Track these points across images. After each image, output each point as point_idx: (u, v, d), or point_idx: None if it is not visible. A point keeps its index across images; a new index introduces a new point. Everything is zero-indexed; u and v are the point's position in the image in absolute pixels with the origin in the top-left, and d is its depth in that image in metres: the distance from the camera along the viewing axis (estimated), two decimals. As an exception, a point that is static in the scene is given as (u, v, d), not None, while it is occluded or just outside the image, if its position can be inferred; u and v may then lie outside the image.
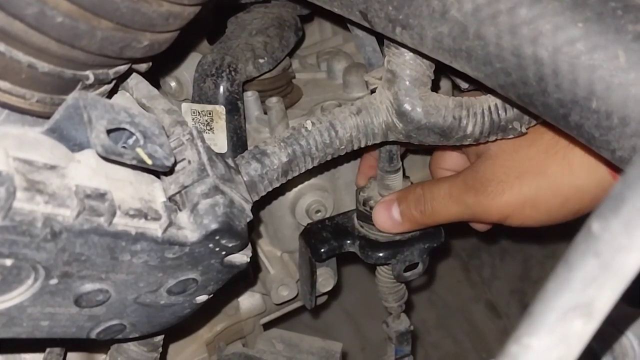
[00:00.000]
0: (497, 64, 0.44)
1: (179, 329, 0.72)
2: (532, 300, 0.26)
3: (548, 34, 0.41)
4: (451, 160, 0.73)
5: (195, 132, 0.49)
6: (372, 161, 0.74)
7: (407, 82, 0.57)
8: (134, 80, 0.54)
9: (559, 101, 0.42)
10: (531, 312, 0.26)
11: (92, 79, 0.44)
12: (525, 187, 0.59)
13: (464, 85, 0.65)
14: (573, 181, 0.57)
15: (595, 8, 0.40)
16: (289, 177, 0.60)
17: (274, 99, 0.71)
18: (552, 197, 0.59)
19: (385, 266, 0.75)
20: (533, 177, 0.59)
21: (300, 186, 0.77)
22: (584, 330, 0.26)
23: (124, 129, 0.42)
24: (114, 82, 0.49)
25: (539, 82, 0.42)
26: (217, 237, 0.46)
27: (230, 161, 0.53)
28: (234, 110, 0.69)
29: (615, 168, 0.51)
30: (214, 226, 0.45)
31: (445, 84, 0.77)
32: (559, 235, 0.91)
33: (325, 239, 0.73)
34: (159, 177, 0.48)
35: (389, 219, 0.68)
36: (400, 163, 0.70)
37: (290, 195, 0.78)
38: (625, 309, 0.38)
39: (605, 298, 0.25)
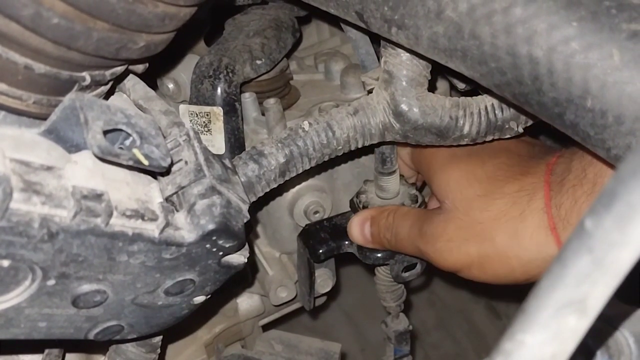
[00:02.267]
0: (492, 64, 0.44)
1: (178, 330, 0.72)
2: (526, 297, 0.27)
3: (543, 33, 0.41)
4: None
5: (192, 133, 0.49)
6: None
7: (404, 83, 0.57)
8: (131, 81, 0.54)
9: (554, 100, 0.42)
10: (525, 308, 0.26)
11: (88, 80, 0.44)
12: (472, 250, 0.59)
13: (460, 85, 0.65)
14: (520, 254, 0.56)
15: (590, 7, 0.40)
16: (287, 178, 0.60)
17: (271, 100, 0.71)
18: (498, 265, 0.58)
19: (384, 266, 0.75)
20: (480, 242, 0.58)
21: (298, 187, 0.77)
22: (577, 326, 0.26)
23: (121, 130, 0.42)
24: (110, 83, 0.49)
25: (534, 81, 0.42)
26: (214, 238, 0.46)
27: (227, 162, 0.53)
28: (232, 111, 0.69)
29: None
30: (211, 226, 0.45)
31: (442, 84, 0.77)
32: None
33: (324, 239, 0.73)
34: (155, 178, 0.48)
35: (361, 234, 0.70)
36: (396, 165, 0.70)
37: (289, 196, 0.77)
38: (620, 306, 0.38)
39: (598, 294, 0.25)
